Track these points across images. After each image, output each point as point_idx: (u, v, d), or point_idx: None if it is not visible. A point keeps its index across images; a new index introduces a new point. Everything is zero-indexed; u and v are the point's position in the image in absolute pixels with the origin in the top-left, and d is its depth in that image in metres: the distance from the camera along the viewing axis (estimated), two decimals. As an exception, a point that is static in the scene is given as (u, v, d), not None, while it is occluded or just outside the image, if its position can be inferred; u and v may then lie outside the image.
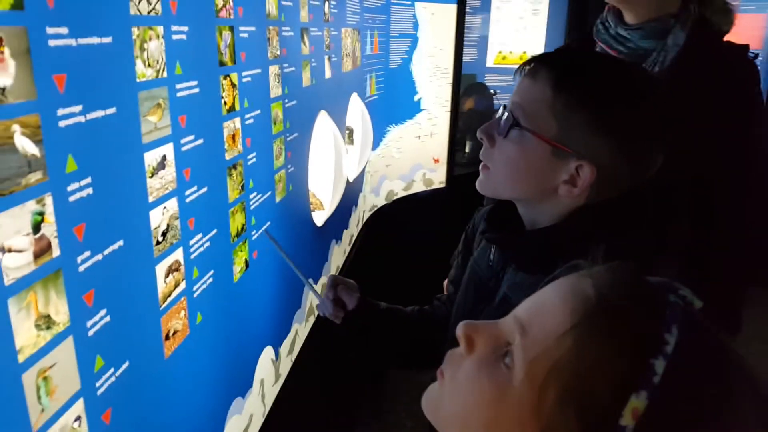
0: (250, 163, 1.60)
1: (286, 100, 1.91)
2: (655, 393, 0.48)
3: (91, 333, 0.92)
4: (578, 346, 0.53)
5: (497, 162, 1.08)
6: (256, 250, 1.67)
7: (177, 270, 1.21)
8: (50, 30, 0.79)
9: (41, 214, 0.80)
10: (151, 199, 1.09)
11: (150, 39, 1.06)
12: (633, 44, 1.50)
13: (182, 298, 1.24)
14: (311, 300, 2.34)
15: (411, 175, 4.37)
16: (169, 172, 1.16)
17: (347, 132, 3.28)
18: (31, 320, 0.79)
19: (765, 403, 0.52)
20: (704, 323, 0.55)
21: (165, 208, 1.15)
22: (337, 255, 2.90)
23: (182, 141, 1.20)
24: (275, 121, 1.80)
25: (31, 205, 0.78)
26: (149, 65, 1.06)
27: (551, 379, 0.53)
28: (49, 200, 0.81)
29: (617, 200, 0.99)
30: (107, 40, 0.92)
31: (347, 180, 3.12)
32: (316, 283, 2.41)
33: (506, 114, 1.03)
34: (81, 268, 0.89)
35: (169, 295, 1.18)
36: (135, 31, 1.01)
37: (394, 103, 4.07)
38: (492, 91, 5.23)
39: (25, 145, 0.76)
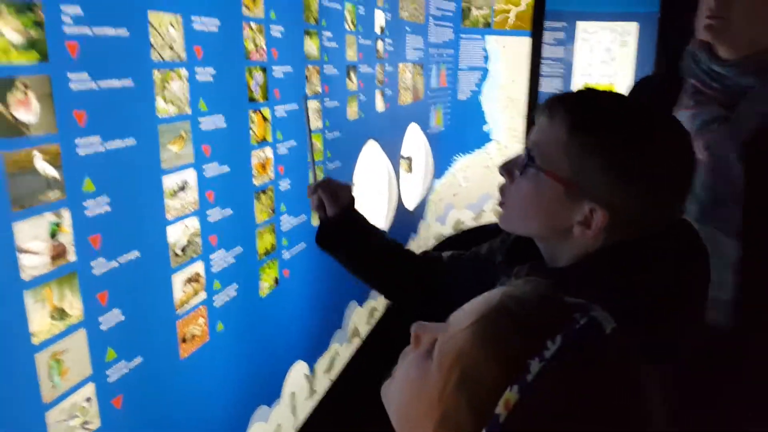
0: (282, 188, 1.76)
1: (327, 132, 2.07)
2: (526, 389, 0.55)
3: (103, 328, 1.09)
4: (474, 340, 0.61)
5: (513, 199, 1.10)
6: (287, 269, 1.82)
7: (196, 281, 1.37)
8: (72, 76, 0.98)
9: (58, 224, 0.98)
10: (169, 217, 1.26)
11: (172, 80, 1.24)
12: (731, 81, 1.43)
13: (201, 307, 1.40)
14: (354, 320, 2.45)
15: (480, 204, 4.41)
16: (191, 194, 1.33)
17: (406, 160, 3.40)
18: (46, 311, 0.97)
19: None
20: (603, 342, 0.61)
21: (185, 225, 1.32)
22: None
23: (205, 167, 1.38)
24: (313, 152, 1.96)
25: (49, 217, 0.96)
26: (171, 102, 1.24)
27: (454, 366, 0.61)
28: (66, 213, 0.99)
29: (633, 243, 0.97)
30: (128, 82, 1.11)
31: (404, 207, 3.23)
32: (361, 304, 2.53)
33: (524, 153, 1.07)
34: (96, 272, 1.07)
35: (187, 303, 1.34)
36: (156, 73, 1.19)
37: (462, 134, 4.15)
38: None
39: (44, 168, 0.94)
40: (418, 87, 3.38)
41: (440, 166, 4.00)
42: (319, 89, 1.98)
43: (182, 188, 1.30)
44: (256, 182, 1.62)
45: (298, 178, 1.86)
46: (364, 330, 2.63)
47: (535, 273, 0.97)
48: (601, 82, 5.50)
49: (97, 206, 1.06)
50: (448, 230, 4.21)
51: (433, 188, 3.90)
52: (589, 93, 1.08)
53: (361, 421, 2.71)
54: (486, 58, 4.21)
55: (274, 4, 1.64)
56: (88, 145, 1.02)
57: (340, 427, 2.28)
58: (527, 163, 1.04)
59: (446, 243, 4.06)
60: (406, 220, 3.30)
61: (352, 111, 2.31)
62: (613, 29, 5.31)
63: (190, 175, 1.32)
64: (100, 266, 1.07)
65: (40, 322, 0.96)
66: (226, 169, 1.46)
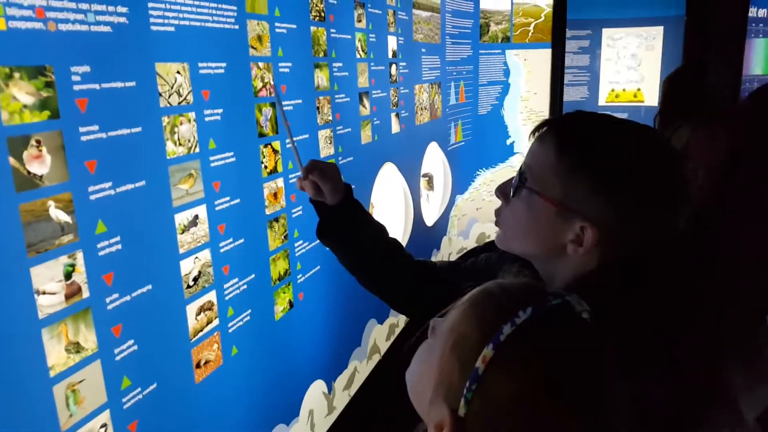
0: (295, 215, 1.84)
1: (341, 158, 2.14)
2: (498, 347, 0.66)
3: (118, 358, 1.17)
4: (463, 315, 0.72)
5: (508, 220, 1.13)
6: (302, 292, 1.89)
7: (210, 309, 1.45)
8: (82, 129, 1.07)
9: (72, 265, 1.07)
10: (182, 251, 1.34)
11: (181, 123, 1.33)
12: None
13: (215, 333, 1.47)
14: (373, 337, 2.51)
15: (505, 218, 4.41)
16: (202, 228, 1.41)
17: (426, 179, 3.45)
18: (61, 345, 1.05)
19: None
20: (572, 320, 0.70)
21: (197, 257, 1.40)
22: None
23: (216, 202, 1.46)
24: (325, 178, 2.03)
25: (64, 259, 1.05)
26: (180, 144, 1.33)
27: (449, 335, 0.72)
28: (79, 255, 1.08)
29: (627, 262, 0.99)
30: (137, 129, 1.20)
31: (425, 223, 3.27)
32: (381, 322, 2.59)
33: (517, 175, 1.11)
34: (109, 307, 1.15)
35: (201, 330, 1.42)
36: (165, 119, 1.28)
37: (484, 148, 4.18)
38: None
39: (58, 215, 1.03)
40: (436, 106, 3.43)
41: (462, 182, 4.03)
42: (331, 118, 2.06)
43: (193, 223, 1.38)
44: (269, 211, 1.69)
45: (310, 205, 1.93)
46: (385, 346, 2.68)
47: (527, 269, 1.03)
48: (628, 88, 5.48)
49: (110, 246, 1.14)
50: (471, 244, 4.23)
51: (455, 204, 3.94)
52: (576, 115, 1.11)
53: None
54: (506, 72, 4.24)
55: (282, 42, 1.73)
56: (100, 190, 1.11)
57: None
58: (520, 185, 1.07)
59: (469, 255, 4.07)
60: (427, 236, 3.34)
61: (366, 135, 2.38)
62: (639, 34, 5.28)
63: (201, 210, 1.41)
64: (113, 301, 1.16)
65: (56, 355, 1.04)
66: (237, 201, 1.54)
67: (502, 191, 1.14)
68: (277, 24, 1.71)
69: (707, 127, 2.18)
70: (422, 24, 3.12)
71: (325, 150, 2.03)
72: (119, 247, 1.17)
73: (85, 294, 1.10)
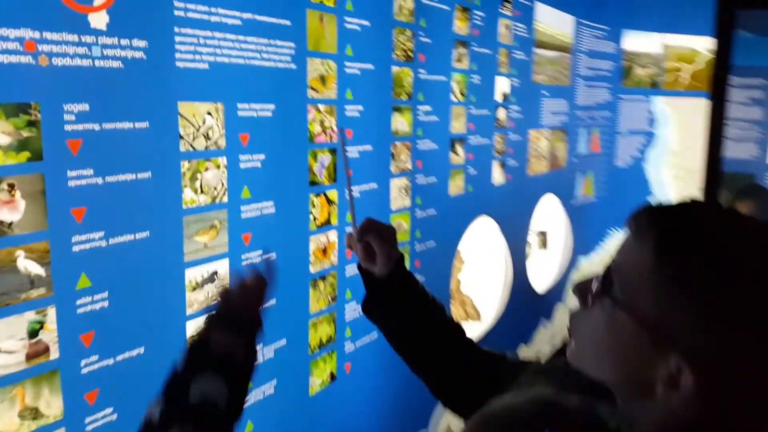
0: (349, 274, 1.65)
1: (418, 210, 1.92)
2: None
3: (89, 428, 1.05)
4: None
5: (583, 330, 0.86)
6: (349, 362, 1.68)
7: (222, 374, 1.30)
8: (71, 173, 0.96)
9: (40, 322, 0.96)
10: (190, 311, 1.21)
11: (206, 169, 1.20)
12: None
13: (227, 402, 1.31)
14: (447, 420, 2.23)
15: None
16: (221, 286, 1.27)
17: (539, 236, 3.10)
18: (14, 411, 0.94)
19: None
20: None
21: (212, 317, 1.25)
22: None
23: (244, 256, 1.31)
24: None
25: (30, 315, 0.94)
26: (203, 192, 1.20)
27: None
28: (51, 311, 0.97)
29: (742, 423, 0.70)
30: (145, 175, 1.08)
31: (531, 289, 2.93)
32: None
33: (602, 275, 0.84)
34: (84, 370, 1.03)
35: (207, 398, 1.26)
36: (185, 164, 1.15)
37: (619, 205, 3.70)
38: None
39: (28, 266, 0.93)
40: (557, 154, 3.09)
41: (589, 242, 3.61)
42: (410, 166, 1.85)
43: (210, 279, 1.24)
44: (314, 269, 1.52)
45: (373, 262, 1.73)
46: (459, 429, 2.38)
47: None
48: (810, 149, 4.65)
49: (92, 303, 1.03)
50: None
51: (577, 266, 3.52)
52: (689, 207, 0.80)
53: None
54: (652, 120, 3.76)
55: (352, 83, 1.57)
56: (86, 241, 1.00)
57: None
58: (603, 290, 0.79)
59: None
60: (535, 303, 2.99)
61: (456, 186, 2.14)
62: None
63: (223, 266, 1.26)
64: (90, 364, 1.04)
65: (6, 421, 0.93)
66: (270, 257, 1.38)
67: (580, 290, 0.84)
68: (347, 63, 1.55)
69: None
70: (546, 65, 2.82)
71: (398, 201, 1.82)
72: (105, 304, 1.05)
73: (54, 355, 0.98)
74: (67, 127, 0.95)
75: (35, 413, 0.97)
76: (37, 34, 0.89)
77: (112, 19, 0.98)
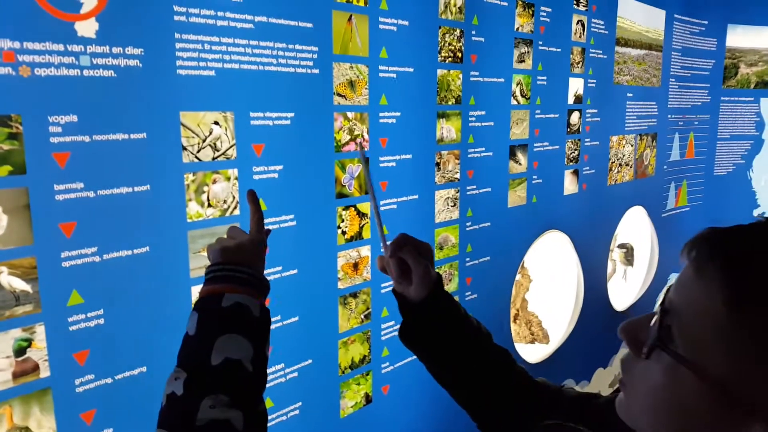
0: (386, 290, 1.54)
1: (469, 223, 1.78)
2: None
3: (85, 448, 1.01)
4: None
5: (637, 384, 0.70)
6: (387, 384, 1.57)
7: (237, 397, 1.23)
8: (58, 186, 0.93)
9: (28, 340, 0.93)
10: (198, 328, 1.15)
11: (214, 182, 1.14)
12: None
13: (242, 425, 1.25)
14: None
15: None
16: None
17: (623, 251, 2.83)
18: (2, 430, 0.92)
19: None
20: None
21: (224, 336, 1.19)
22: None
23: (260, 272, 1.24)
24: (442, 246, 1.69)
25: (16, 333, 0.92)
26: (210, 205, 1.14)
27: None
28: (40, 329, 0.94)
29: None
30: (143, 188, 1.04)
31: (610, 307, 2.67)
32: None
33: (657, 321, 0.67)
34: (80, 389, 1.00)
35: (218, 421, 1.20)
36: (189, 176, 1.10)
37: (719, 217, 3.33)
38: None
39: (12, 282, 0.91)
40: (646, 162, 2.80)
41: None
42: (458, 176, 1.72)
43: (220, 296, 1.17)
44: (343, 285, 1.43)
45: (414, 279, 1.62)
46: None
47: None
48: None
49: (86, 320, 0.99)
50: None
51: (669, 283, 3.19)
52: (765, 230, 0.62)
53: None
54: (760, 124, 3.34)
55: (387, 88, 1.46)
56: (78, 256, 0.97)
57: None
58: (659, 343, 0.62)
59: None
60: (614, 324, 2.71)
61: (517, 197, 1.97)
62: None
63: (235, 282, 1.20)
64: (86, 383, 1.00)
65: (-8, 441, 0.91)
66: (292, 272, 1.31)
67: (630, 337, 0.66)
68: (381, 67, 1.45)
69: None
70: (630, 63, 2.57)
71: (444, 214, 1.69)
72: (101, 321, 1.01)
73: (45, 373, 0.96)
74: (53, 140, 0.92)
75: (23, 433, 0.94)
76: (16, 44, 0.86)
77: (102, 27, 0.95)
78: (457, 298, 1.69)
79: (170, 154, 1.07)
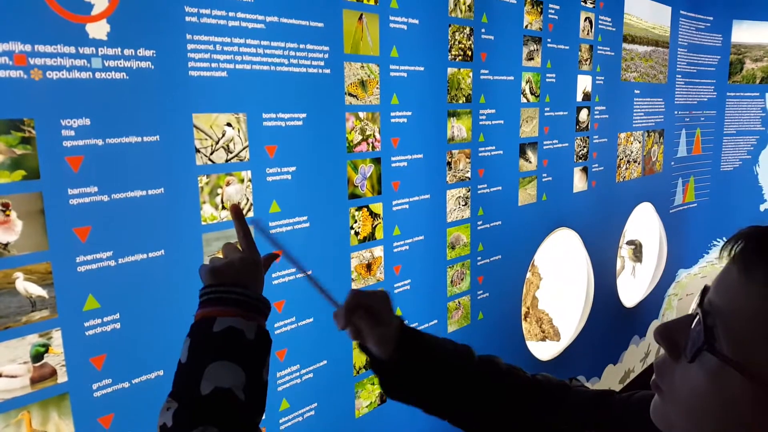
0: (398, 291, 1.53)
1: (480, 222, 1.77)
2: None
3: (103, 454, 1.00)
4: None
5: (677, 389, 0.67)
6: (401, 383, 1.56)
7: (252, 400, 1.22)
8: (72, 191, 0.92)
9: (45, 345, 0.93)
10: (213, 331, 1.14)
11: (228, 184, 1.13)
12: None
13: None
14: None
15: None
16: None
17: (632, 247, 2.82)
18: (20, 436, 0.91)
19: None
20: None
21: (239, 339, 1.18)
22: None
23: (273, 275, 1.23)
24: (454, 246, 1.68)
25: (33, 338, 0.91)
26: (224, 208, 1.13)
27: None
28: (56, 334, 0.93)
29: None
30: (156, 191, 1.03)
31: (620, 304, 2.66)
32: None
33: (699, 323, 0.64)
34: (97, 394, 0.99)
35: (234, 425, 1.19)
36: (203, 179, 1.09)
37: (726, 213, 3.31)
38: None
39: (28, 288, 0.90)
40: (653, 158, 2.79)
41: (690, 253, 3.25)
42: (469, 175, 1.71)
43: (235, 299, 1.17)
44: (356, 286, 1.42)
45: (427, 278, 1.61)
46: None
47: None
48: None
49: (102, 325, 0.98)
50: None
51: (677, 280, 3.17)
52: None
53: None
54: (766, 119, 3.32)
55: (398, 87, 1.45)
56: (93, 261, 0.96)
57: None
58: (704, 346, 0.59)
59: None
60: (624, 320, 2.71)
61: (527, 195, 1.96)
62: None
63: (249, 284, 1.19)
64: (103, 388, 0.99)
65: (11, 448, 0.90)
66: (307, 272, 1.29)
67: (668, 340, 0.63)
68: (393, 66, 1.43)
69: None
70: (638, 60, 2.55)
71: (456, 213, 1.68)
72: (117, 326, 1.00)
73: (62, 378, 0.95)
74: (66, 143, 0.91)
75: (41, 439, 0.94)
76: (27, 47, 0.85)
77: (114, 29, 0.94)
78: (468, 297, 1.68)
79: (184, 157, 1.06)
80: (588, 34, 2.20)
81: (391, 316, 0.90)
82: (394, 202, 1.48)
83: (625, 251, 2.79)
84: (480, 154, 1.74)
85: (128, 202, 0.99)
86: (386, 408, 1.52)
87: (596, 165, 2.33)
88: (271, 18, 1.17)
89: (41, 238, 0.90)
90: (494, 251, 1.84)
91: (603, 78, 2.31)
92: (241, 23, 1.12)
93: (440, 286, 1.66)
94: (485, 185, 1.77)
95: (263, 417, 0.71)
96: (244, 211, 1.17)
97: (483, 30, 1.71)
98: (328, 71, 1.29)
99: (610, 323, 2.56)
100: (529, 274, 2.06)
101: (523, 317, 2.06)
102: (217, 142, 1.11)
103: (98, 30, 0.92)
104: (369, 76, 1.38)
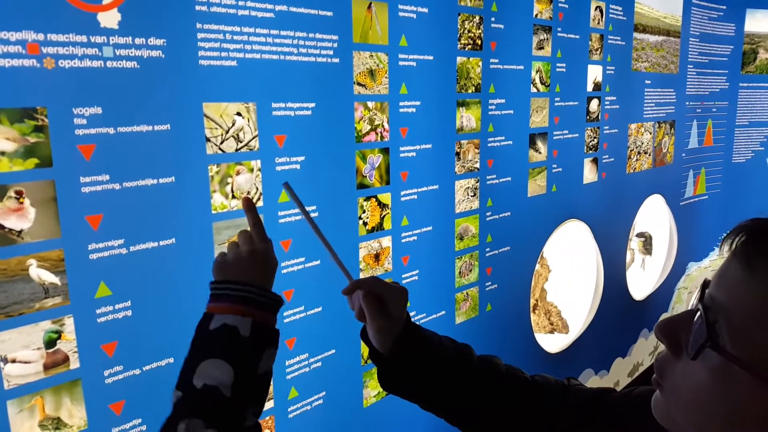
0: (406, 281, 1.53)
1: (488, 213, 1.77)
2: None
3: (115, 439, 1.02)
4: None
5: (679, 387, 0.66)
6: (409, 373, 1.57)
7: (262, 388, 1.23)
8: (84, 179, 0.93)
9: (58, 332, 0.94)
10: (223, 319, 1.15)
11: (238, 173, 1.14)
12: None
13: (267, 418, 1.25)
14: None
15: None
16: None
17: (641, 240, 2.80)
18: (34, 420, 0.93)
19: None
20: None
21: (249, 327, 1.19)
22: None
23: (283, 264, 1.24)
24: (462, 237, 1.68)
25: (46, 325, 0.92)
26: (234, 197, 1.14)
27: None
28: (69, 320, 0.95)
29: None
30: (167, 180, 1.03)
31: (629, 296, 2.65)
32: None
33: (700, 319, 0.63)
34: (108, 380, 1.00)
35: (244, 412, 1.21)
36: (213, 168, 1.10)
37: (738, 205, 3.29)
38: None
39: (41, 275, 0.91)
40: (664, 149, 2.77)
41: (701, 246, 3.23)
42: (478, 165, 1.70)
43: (245, 288, 1.17)
44: (364, 276, 1.42)
45: (435, 269, 1.61)
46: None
47: None
48: None
49: (114, 312, 0.99)
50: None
51: (687, 273, 3.16)
52: None
53: None
54: (780, 110, 3.29)
55: (407, 76, 1.45)
56: (105, 249, 0.97)
57: None
58: (706, 343, 0.58)
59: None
60: (633, 313, 2.70)
61: (537, 186, 1.95)
62: None
63: (259, 273, 1.20)
64: (114, 374, 1.01)
65: (25, 431, 0.92)
66: (314, 263, 1.30)
67: (669, 336, 0.63)
68: (401, 55, 1.43)
69: None
70: (648, 50, 2.53)
71: (464, 204, 1.68)
72: (128, 313, 1.01)
73: (75, 365, 0.96)
74: (78, 132, 0.92)
75: (57, 423, 0.95)
76: (40, 36, 0.86)
77: (125, 18, 0.94)
78: (476, 288, 1.68)
79: (194, 146, 1.07)
80: (599, 23, 2.18)
81: (401, 312, 0.90)
82: (402, 193, 1.48)
83: (635, 244, 2.78)
84: (489, 145, 1.73)
85: (139, 191, 1.00)
86: (394, 398, 1.52)
87: (606, 156, 2.32)
88: (280, 7, 1.17)
89: (54, 225, 0.91)
90: (503, 242, 1.84)
91: (614, 68, 2.30)
92: (251, 12, 1.12)
93: (448, 277, 1.67)
94: (494, 176, 1.77)
95: (263, 408, 0.72)
96: (254, 201, 1.17)
97: (493, 19, 1.70)
98: (336, 60, 1.29)
99: (619, 316, 2.56)
100: (537, 266, 2.06)
101: (531, 309, 2.05)
102: (227, 132, 1.12)
103: (109, 19, 0.93)
104: (378, 66, 1.38)
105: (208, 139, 1.09)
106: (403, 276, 1.52)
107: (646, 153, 2.62)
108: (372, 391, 1.48)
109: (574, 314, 2.32)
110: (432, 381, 0.94)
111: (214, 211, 1.11)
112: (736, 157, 3.24)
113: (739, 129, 3.21)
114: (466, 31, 1.61)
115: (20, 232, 0.88)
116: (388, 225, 1.46)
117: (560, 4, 1.97)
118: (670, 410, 0.64)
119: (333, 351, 1.37)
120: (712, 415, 0.60)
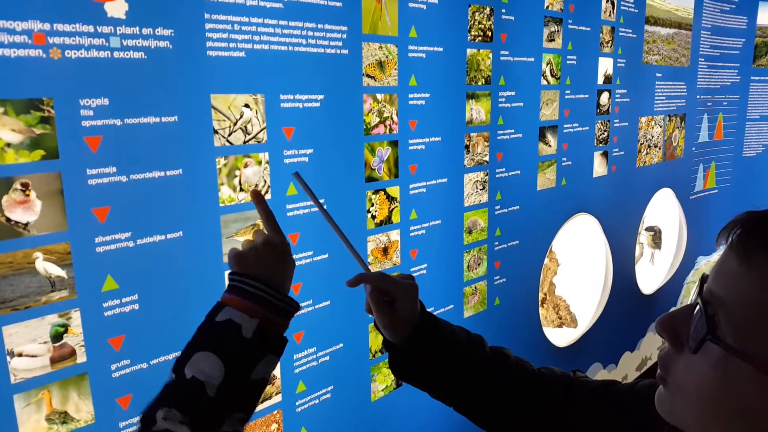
0: (415, 275, 1.51)
1: (498, 207, 1.75)
2: None
3: (124, 433, 1.01)
4: None
5: (683, 381, 0.65)
6: (417, 368, 1.56)
7: (270, 383, 1.22)
8: (91, 171, 0.92)
9: (64, 326, 0.93)
10: (230, 313, 1.14)
11: (245, 165, 1.13)
12: None
13: (275, 412, 1.24)
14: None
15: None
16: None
17: (651, 233, 2.78)
18: (41, 414, 0.92)
19: None
20: None
21: (256, 321, 1.18)
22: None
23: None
24: (471, 230, 1.67)
25: (52, 318, 0.92)
26: (242, 190, 1.12)
27: None
28: (75, 314, 0.94)
29: None
30: (175, 172, 1.02)
31: (638, 291, 2.63)
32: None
33: (699, 313, 0.62)
34: (115, 374, 0.99)
35: (252, 407, 1.20)
36: (221, 160, 1.09)
37: (748, 199, 3.25)
38: None
39: (47, 268, 0.90)
40: (674, 143, 2.74)
41: (711, 239, 3.19)
42: (487, 158, 1.68)
43: (252, 281, 1.16)
44: (372, 269, 1.40)
45: (444, 263, 1.60)
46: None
47: None
48: None
49: (121, 306, 0.98)
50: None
51: (696, 267, 3.13)
52: None
53: None
54: (792, 104, 3.25)
55: (417, 68, 1.43)
56: (112, 242, 0.96)
57: None
58: (707, 336, 0.58)
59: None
60: (641, 308, 2.68)
61: (547, 179, 1.93)
62: None
63: (267, 267, 1.18)
64: (121, 368, 1.00)
65: (33, 425, 0.91)
66: (323, 257, 1.29)
67: (669, 331, 0.62)
68: (411, 47, 1.41)
69: None
70: (660, 43, 2.50)
71: (473, 197, 1.66)
72: (135, 307, 1.00)
73: (81, 358, 0.95)
74: (85, 123, 0.91)
75: (64, 417, 0.94)
76: (46, 26, 0.85)
77: (132, 7, 0.93)
78: (485, 282, 1.67)
79: (202, 138, 1.06)
80: (610, 15, 2.15)
81: (410, 309, 0.89)
82: (411, 186, 1.47)
83: (644, 237, 2.76)
84: (499, 138, 1.71)
85: (147, 183, 0.99)
86: (401, 392, 1.52)
87: (616, 149, 2.30)
88: (289, -3, 1.15)
89: (60, 218, 0.90)
90: (512, 236, 1.82)
91: (624, 61, 2.27)
92: (260, 2, 1.10)
93: (457, 271, 1.65)
94: (503, 169, 1.75)
95: (251, 415, 0.69)
96: (262, 194, 1.16)
97: (503, 10, 1.68)
98: (346, 52, 1.27)
99: (627, 310, 2.54)
100: (546, 260, 2.04)
101: (540, 303, 2.04)
102: (235, 123, 1.10)
103: (117, 9, 0.91)
104: (387, 57, 1.36)
105: (215, 131, 1.07)
106: (412, 269, 1.51)
107: (656, 146, 2.59)
108: (380, 385, 1.47)
109: (583, 308, 2.30)
110: (444, 370, 0.93)
111: (221, 204, 1.10)
112: (747, 150, 3.21)
113: (750, 123, 3.18)
114: (476, 23, 1.58)
115: (26, 224, 0.87)
116: (396, 218, 1.44)
117: (571, -5, 1.94)
118: (675, 405, 0.63)
119: (341, 345, 1.36)
120: (715, 409, 0.59)
